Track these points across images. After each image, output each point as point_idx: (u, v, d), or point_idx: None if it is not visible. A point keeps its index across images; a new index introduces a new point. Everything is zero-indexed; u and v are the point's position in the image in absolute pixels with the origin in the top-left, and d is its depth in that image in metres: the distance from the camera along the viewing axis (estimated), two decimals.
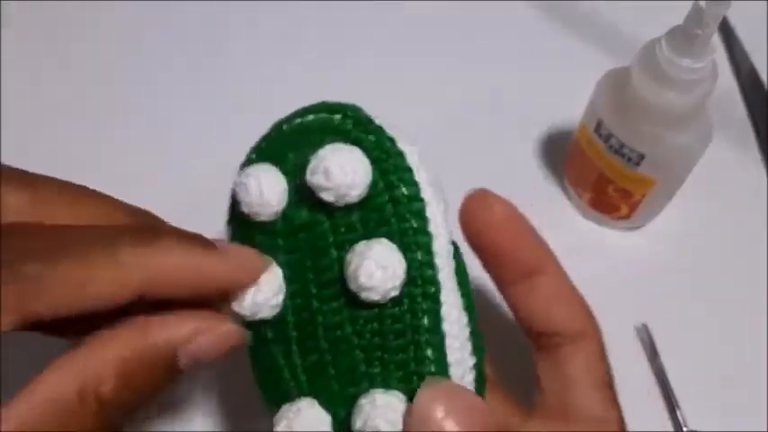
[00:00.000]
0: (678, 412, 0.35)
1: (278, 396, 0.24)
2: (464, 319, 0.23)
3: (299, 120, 0.24)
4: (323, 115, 0.24)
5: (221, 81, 0.45)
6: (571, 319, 0.26)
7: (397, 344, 0.22)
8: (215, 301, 0.22)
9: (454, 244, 0.24)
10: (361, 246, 0.22)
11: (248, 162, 0.25)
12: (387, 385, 0.22)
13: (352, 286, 0.22)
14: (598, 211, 0.40)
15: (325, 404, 0.23)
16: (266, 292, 0.23)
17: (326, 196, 0.22)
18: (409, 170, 0.23)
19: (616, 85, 0.35)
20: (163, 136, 0.42)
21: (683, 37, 0.30)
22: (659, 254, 0.40)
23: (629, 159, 0.35)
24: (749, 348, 0.37)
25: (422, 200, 0.23)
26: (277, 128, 0.25)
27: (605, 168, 0.37)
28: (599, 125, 0.35)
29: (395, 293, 0.22)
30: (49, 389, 0.19)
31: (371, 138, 0.23)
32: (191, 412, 0.35)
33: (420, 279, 0.22)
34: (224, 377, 0.36)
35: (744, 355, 0.37)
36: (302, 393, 0.23)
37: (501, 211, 0.25)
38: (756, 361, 0.37)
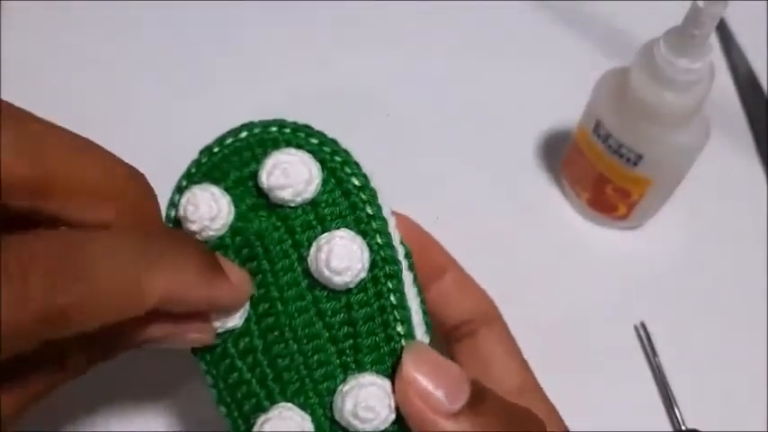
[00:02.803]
0: (677, 411, 0.35)
1: (249, 410, 0.23)
2: (417, 299, 0.25)
3: (230, 140, 0.25)
4: (257, 131, 0.25)
5: (216, 72, 0.45)
6: (479, 304, 0.30)
7: (367, 328, 0.23)
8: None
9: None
10: (323, 238, 0.23)
11: (181, 187, 0.25)
12: (362, 370, 0.23)
13: (324, 275, 0.23)
14: (596, 211, 0.40)
15: (302, 405, 0.23)
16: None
17: (285, 194, 0.23)
18: (356, 164, 0.24)
19: (615, 86, 0.35)
20: (164, 135, 0.42)
21: (681, 37, 0.31)
22: (657, 253, 0.40)
23: (628, 159, 0.35)
24: (748, 347, 0.37)
25: (373, 189, 0.24)
26: (207, 152, 0.25)
27: (604, 168, 0.37)
28: (597, 125, 0.36)
29: (363, 275, 0.23)
30: None
31: (314, 140, 0.24)
32: (187, 413, 0.35)
33: (381, 261, 0.23)
34: None
35: (743, 355, 0.37)
36: (274, 401, 0.23)
37: (404, 229, 0.26)
38: (755, 360, 0.37)
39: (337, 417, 0.22)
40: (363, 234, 0.23)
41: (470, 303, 0.29)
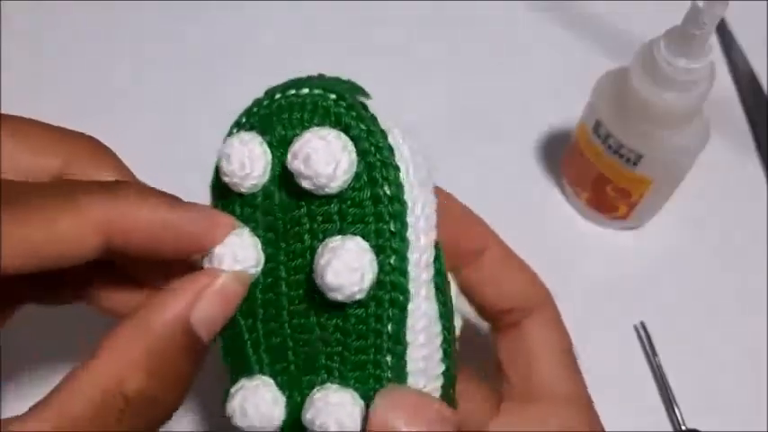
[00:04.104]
0: (676, 410, 0.35)
1: (239, 367, 0.23)
2: (436, 327, 0.22)
3: (292, 91, 0.23)
4: (317, 92, 0.22)
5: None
6: (523, 290, 0.26)
7: (358, 344, 0.21)
8: (195, 263, 0.22)
9: (437, 246, 0.23)
10: (334, 241, 0.21)
11: (237, 126, 0.24)
12: (344, 381, 0.22)
13: (319, 282, 0.21)
14: (596, 211, 0.40)
15: (282, 386, 0.22)
16: (246, 249, 0.22)
17: (305, 184, 0.21)
18: (396, 168, 0.21)
19: (615, 86, 0.35)
20: (165, 134, 0.42)
21: (681, 37, 0.31)
22: (657, 253, 0.40)
23: (628, 159, 0.35)
24: (748, 347, 0.37)
25: (404, 203, 0.21)
26: (269, 96, 0.23)
27: (604, 168, 0.37)
28: (597, 125, 0.36)
29: (360, 297, 0.21)
30: (65, 404, 0.18)
31: (362, 126, 0.22)
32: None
33: (390, 285, 0.21)
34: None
35: (742, 354, 0.37)
36: (262, 371, 0.23)
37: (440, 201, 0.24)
38: (755, 360, 0.37)
39: (303, 416, 0.21)
40: (380, 250, 0.21)
41: (513, 288, 0.26)
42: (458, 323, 0.24)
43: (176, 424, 0.34)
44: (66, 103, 0.43)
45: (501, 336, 0.27)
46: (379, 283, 0.21)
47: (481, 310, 0.27)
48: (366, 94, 0.24)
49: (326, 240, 0.21)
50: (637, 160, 0.35)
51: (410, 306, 0.21)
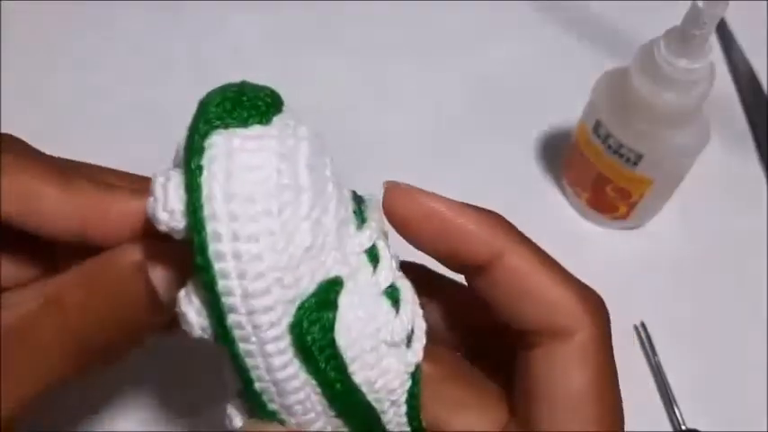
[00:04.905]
0: (676, 410, 0.35)
1: None
2: (305, 379, 0.19)
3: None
4: (195, 114, 0.20)
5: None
6: (543, 314, 0.21)
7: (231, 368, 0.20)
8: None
9: (330, 284, 0.19)
10: (183, 289, 0.20)
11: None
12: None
13: None
14: (596, 211, 0.40)
15: None
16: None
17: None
18: (202, 229, 0.18)
19: (615, 86, 0.35)
20: (165, 135, 0.42)
21: (681, 37, 0.31)
22: (657, 253, 0.40)
23: (628, 159, 0.35)
24: (747, 347, 0.37)
25: (210, 271, 0.18)
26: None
27: (604, 168, 0.37)
28: (597, 125, 0.36)
29: (208, 341, 0.19)
30: (12, 300, 0.20)
31: (187, 177, 0.18)
32: (178, 412, 0.35)
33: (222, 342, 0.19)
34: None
35: (742, 354, 0.37)
36: None
37: (422, 205, 0.21)
38: (755, 360, 0.37)
39: None
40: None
41: (536, 309, 0.21)
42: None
43: (176, 424, 0.34)
44: (57, 105, 0.43)
45: (518, 356, 0.22)
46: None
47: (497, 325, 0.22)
48: (263, 113, 0.20)
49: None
50: (637, 160, 0.35)
51: (248, 361, 0.19)
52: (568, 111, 0.40)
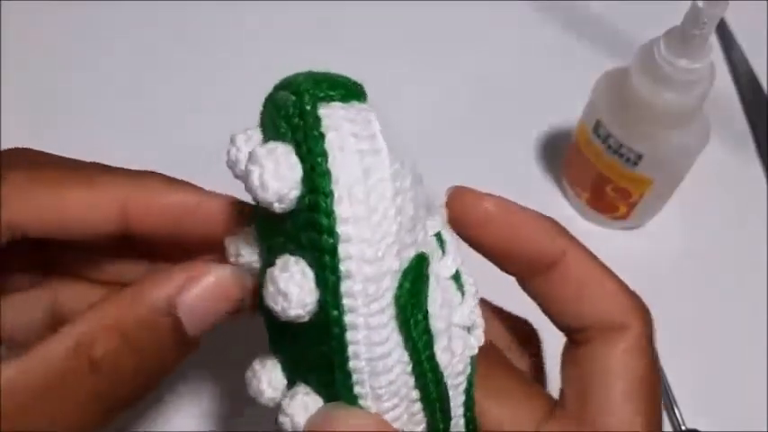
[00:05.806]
0: (676, 411, 0.35)
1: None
2: (399, 355, 0.20)
3: (275, 92, 0.21)
4: (283, 93, 0.20)
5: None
6: (604, 310, 0.22)
7: (312, 359, 0.20)
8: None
9: (420, 258, 0.20)
10: (278, 263, 0.19)
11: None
12: (310, 384, 0.21)
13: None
14: (596, 211, 0.40)
15: (284, 371, 0.22)
16: (250, 246, 0.21)
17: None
18: (329, 194, 0.18)
19: (615, 86, 0.35)
20: (166, 134, 0.42)
21: (681, 37, 0.31)
22: (657, 253, 0.40)
23: (628, 159, 0.35)
24: (747, 347, 0.37)
25: (334, 235, 0.18)
26: (268, 96, 0.22)
27: (604, 168, 0.37)
28: (597, 125, 0.36)
29: (296, 317, 0.19)
30: (42, 349, 0.19)
31: (306, 145, 0.19)
32: (179, 413, 0.35)
33: (325, 315, 0.19)
34: (212, 378, 0.36)
35: (743, 354, 0.37)
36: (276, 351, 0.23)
37: (488, 207, 0.22)
38: (755, 360, 0.37)
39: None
40: (318, 279, 0.19)
41: (592, 308, 0.22)
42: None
43: (177, 424, 0.34)
44: (66, 102, 0.43)
45: (569, 350, 0.23)
46: (320, 308, 0.19)
47: (553, 322, 0.24)
48: (356, 94, 0.21)
49: (276, 260, 0.20)
50: (637, 160, 0.35)
51: (347, 337, 0.19)
52: (568, 111, 0.40)
